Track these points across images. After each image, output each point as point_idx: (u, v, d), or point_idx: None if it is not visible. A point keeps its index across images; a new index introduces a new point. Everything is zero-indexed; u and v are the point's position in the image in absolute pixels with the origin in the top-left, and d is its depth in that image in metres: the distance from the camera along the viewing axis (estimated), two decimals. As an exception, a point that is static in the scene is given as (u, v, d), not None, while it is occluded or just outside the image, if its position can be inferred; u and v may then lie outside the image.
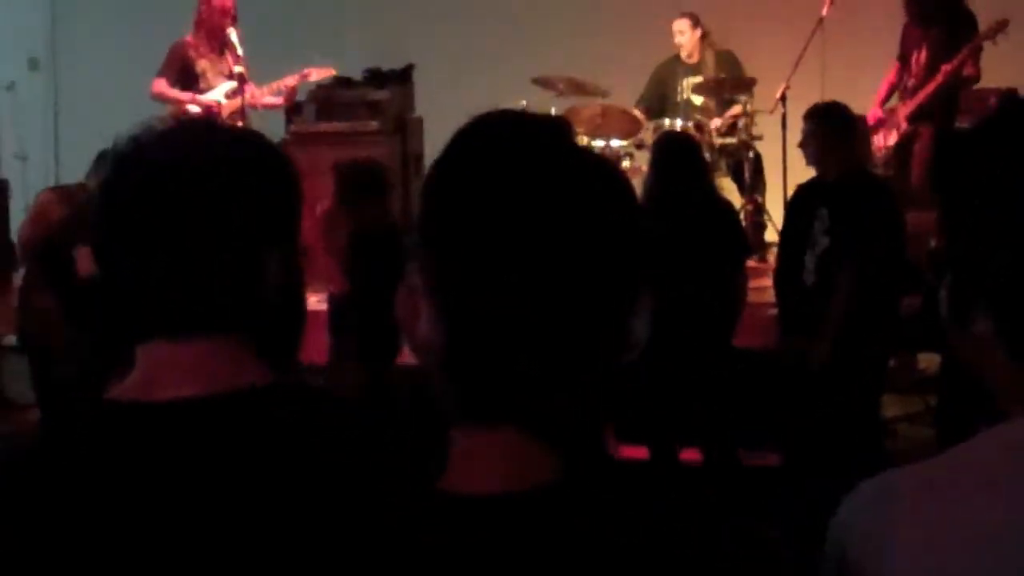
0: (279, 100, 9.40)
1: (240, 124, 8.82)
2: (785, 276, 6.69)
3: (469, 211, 1.38)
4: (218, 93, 9.15)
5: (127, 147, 1.73)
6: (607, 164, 1.47)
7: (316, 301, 7.44)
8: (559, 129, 1.44)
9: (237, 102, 9.13)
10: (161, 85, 9.14)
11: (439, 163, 1.44)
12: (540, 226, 1.35)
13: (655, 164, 6.85)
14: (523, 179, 1.37)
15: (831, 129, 6.47)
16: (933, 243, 7.06)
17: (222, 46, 9.13)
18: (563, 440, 1.39)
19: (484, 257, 1.36)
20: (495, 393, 1.38)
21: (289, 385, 1.73)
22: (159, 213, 1.67)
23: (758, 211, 9.62)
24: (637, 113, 10.01)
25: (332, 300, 6.80)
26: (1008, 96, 7.69)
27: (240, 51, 8.99)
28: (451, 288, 1.38)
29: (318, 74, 9.65)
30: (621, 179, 1.45)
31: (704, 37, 10.18)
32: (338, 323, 6.76)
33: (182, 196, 1.67)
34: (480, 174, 1.39)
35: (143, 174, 1.70)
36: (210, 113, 8.85)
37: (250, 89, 9.14)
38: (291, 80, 9.43)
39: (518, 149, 1.40)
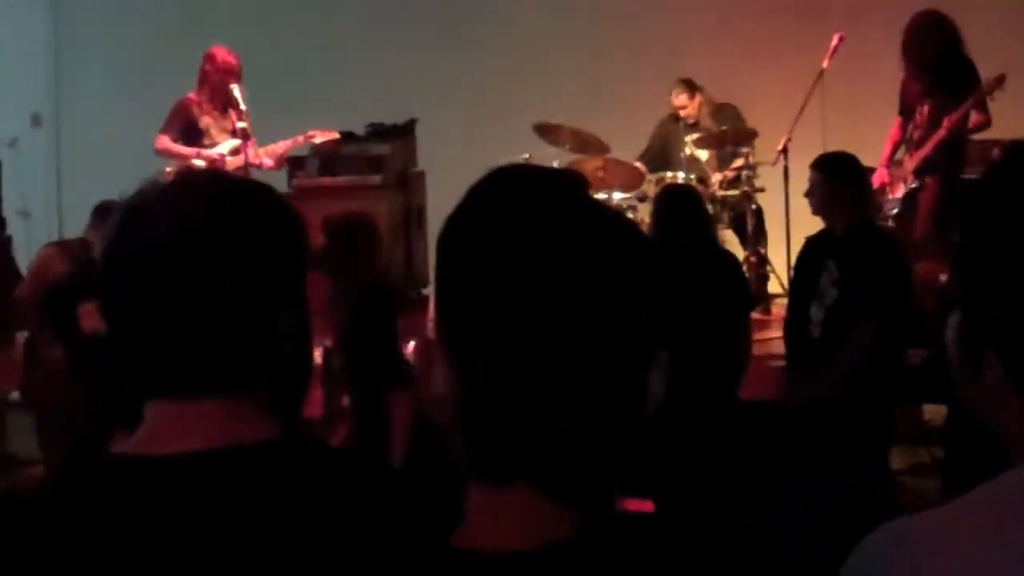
0: (271, 164, 9.34)
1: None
2: (794, 328, 6.69)
3: (485, 266, 1.38)
4: (223, 149, 9.17)
5: (134, 201, 1.72)
6: (623, 219, 1.47)
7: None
8: (573, 184, 1.45)
9: (241, 159, 9.15)
10: (165, 141, 9.17)
11: (454, 217, 1.44)
12: (556, 282, 1.35)
13: (657, 216, 6.87)
14: (538, 234, 1.37)
15: (838, 180, 6.48)
16: (942, 278, 7.06)
17: (226, 103, 9.17)
18: (576, 498, 1.39)
19: (499, 312, 1.36)
20: (509, 450, 1.37)
21: (294, 440, 1.71)
22: (165, 270, 1.65)
23: (761, 263, 9.62)
24: (639, 165, 10.04)
25: (326, 355, 6.74)
26: (1012, 146, 7.70)
27: (244, 107, 9.02)
28: (466, 342, 1.39)
29: (323, 137, 9.64)
30: (637, 234, 1.46)
31: (703, 100, 10.27)
32: (330, 378, 6.69)
33: (188, 252, 1.65)
34: (495, 229, 1.39)
35: (150, 229, 1.68)
36: (216, 166, 8.87)
37: (252, 147, 9.15)
38: (288, 144, 9.40)
39: (533, 204, 1.40)
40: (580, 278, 1.36)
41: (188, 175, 1.77)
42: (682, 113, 10.27)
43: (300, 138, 9.46)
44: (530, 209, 1.40)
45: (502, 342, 1.36)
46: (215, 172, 1.88)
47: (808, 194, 6.64)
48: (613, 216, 1.45)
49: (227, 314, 1.66)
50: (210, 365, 1.67)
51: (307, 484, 1.65)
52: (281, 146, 9.29)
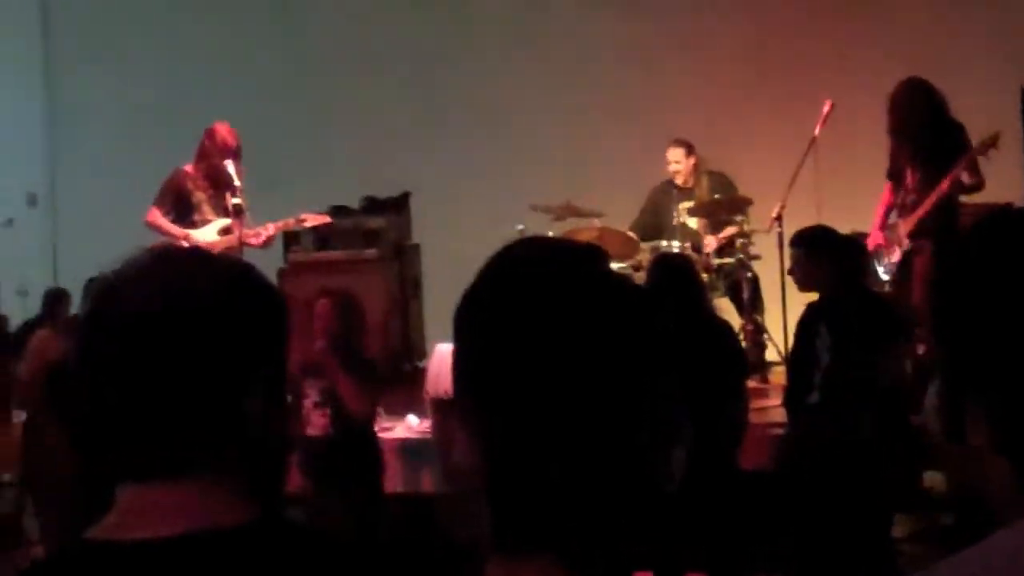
0: (259, 243, 9.24)
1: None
2: (794, 395, 6.76)
3: (507, 337, 1.39)
4: (211, 231, 9.10)
5: (105, 282, 1.69)
6: (641, 291, 1.48)
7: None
8: (592, 255, 1.47)
9: (232, 238, 9.13)
10: (155, 215, 9.13)
11: (474, 290, 1.45)
12: (579, 352, 1.36)
13: (651, 285, 6.88)
14: (561, 305, 1.38)
15: (818, 252, 6.63)
16: (920, 350, 7.12)
17: (221, 180, 9.15)
18: (595, 570, 1.40)
19: (523, 383, 1.37)
20: (533, 520, 1.38)
21: (271, 522, 1.66)
22: (132, 353, 1.61)
23: (758, 331, 9.62)
24: (631, 234, 10.07)
25: (307, 443, 6.70)
26: (998, 209, 7.74)
27: (238, 183, 9.01)
28: (489, 413, 1.39)
29: (313, 220, 9.54)
30: (656, 307, 1.47)
31: (697, 163, 10.29)
32: (316, 464, 6.66)
33: (156, 335, 1.61)
34: (517, 301, 1.40)
35: (118, 311, 1.64)
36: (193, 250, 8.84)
37: (242, 225, 9.11)
38: (279, 225, 9.31)
39: (554, 275, 1.42)
40: (602, 348, 1.37)
41: (163, 252, 1.74)
42: (675, 174, 10.28)
43: (291, 220, 9.36)
44: (551, 281, 1.41)
45: (526, 412, 1.36)
46: (193, 250, 1.85)
47: (791, 271, 6.77)
48: (632, 288, 1.46)
49: (197, 395, 1.61)
50: (179, 447, 1.62)
51: (283, 571, 1.61)
52: (271, 228, 9.21)
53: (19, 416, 7.99)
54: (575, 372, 1.36)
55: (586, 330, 1.37)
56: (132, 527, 1.61)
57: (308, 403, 6.80)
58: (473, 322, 1.43)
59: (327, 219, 9.78)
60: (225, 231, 9.16)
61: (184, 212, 9.21)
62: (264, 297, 1.73)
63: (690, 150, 10.31)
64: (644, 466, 1.40)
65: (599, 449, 1.37)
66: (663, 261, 7.39)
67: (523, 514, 1.39)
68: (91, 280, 7.08)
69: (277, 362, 1.72)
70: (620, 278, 1.48)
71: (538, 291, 1.40)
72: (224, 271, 1.74)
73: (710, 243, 9.88)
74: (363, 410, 6.77)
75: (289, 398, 6.32)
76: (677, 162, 10.28)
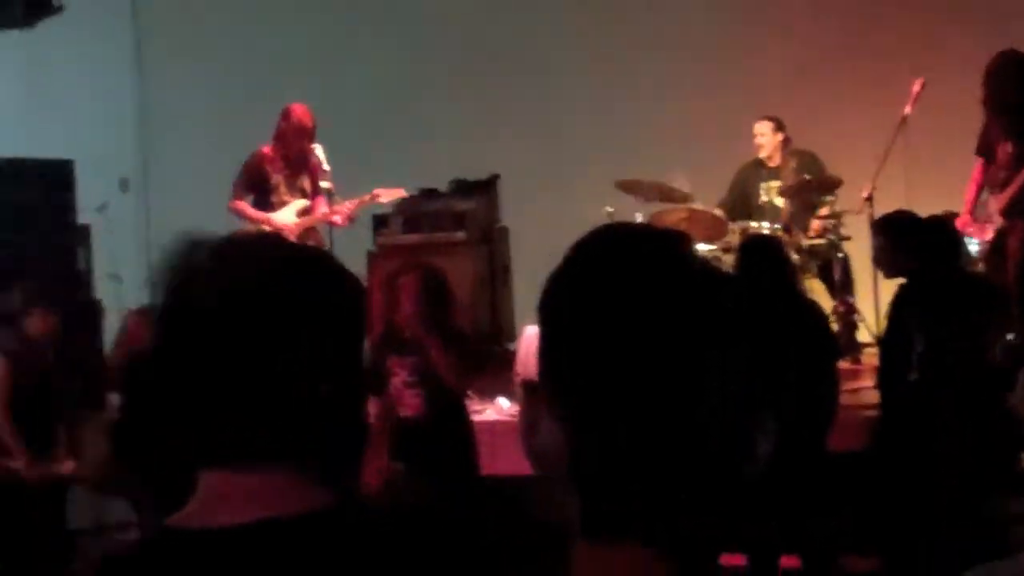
0: (340, 221, 9.32)
1: (314, 241, 8.94)
2: (887, 377, 6.73)
3: (595, 322, 1.40)
4: (289, 213, 9.22)
5: (185, 269, 1.72)
6: (729, 278, 1.49)
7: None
8: (678, 242, 1.48)
9: (311, 219, 9.22)
10: (237, 199, 9.30)
11: (556, 279, 1.47)
12: (667, 338, 1.38)
13: (742, 265, 6.87)
14: (643, 296, 1.40)
15: (894, 240, 6.63)
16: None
17: (299, 161, 9.24)
18: (682, 554, 1.41)
19: (610, 367, 1.38)
20: (621, 505, 1.40)
21: (348, 508, 1.68)
22: (207, 341, 1.63)
23: (849, 312, 9.55)
24: (720, 214, 10.01)
25: (399, 424, 6.59)
26: None
27: (326, 167, 9.09)
28: (577, 396, 1.40)
29: (387, 195, 9.64)
30: (743, 293, 1.48)
31: (785, 142, 10.23)
32: (410, 446, 6.55)
33: (235, 324, 1.63)
34: (605, 286, 1.42)
35: (194, 300, 1.67)
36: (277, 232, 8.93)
37: (324, 204, 9.21)
38: (355, 203, 9.41)
39: (642, 261, 1.43)
40: (686, 335, 1.39)
41: (237, 240, 1.78)
42: (759, 147, 10.24)
43: (366, 197, 9.47)
44: (634, 267, 1.42)
45: (609, 396, 1.38)
46: (266, 237, 1.86)
47: (875, 260, 6.74)
48: (716, 274, 1.48)
49: (272, 381, 1.63)
50: (256, 433, 1.64)
51: (363, 555, 1.63)
52: (348, 205, 9.32)
53: (114, 401, 8.08)
54: (659, 357, 1.37)
55: (670, 316, 1.39)
56: (212, 514, 1.63)
57: (398, 382, 6.60)
58: (558, 308, 1.45)
59: (402, 192, 9.82)
60: (303, 212, 9.25)
61: (262, 194, 9.34)
62: (338, 282, 1.73)
63: (778, 126, 10.24)
64: (728, 450, 1.41)
65: (682, 433, 1.38)
66: (753, 243, 7.36)
67: (609, 499, 1.40)
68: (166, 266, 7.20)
69: (354, 348, 1.73)
70: (704, 264, 1.49)
71: (621, 278, 1.42)
72: (296, 257, 1.75)
73: (815, 226, 9.80)
74: (460, 384, 6.64)
75: (377, 377, 6.37)
76: (763, 135, 10.23)
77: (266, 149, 9.34)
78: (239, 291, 1.65)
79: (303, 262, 1.73)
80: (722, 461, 1.41)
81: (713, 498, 1.41)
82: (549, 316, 1.46)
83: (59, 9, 9.25)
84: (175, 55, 13.13)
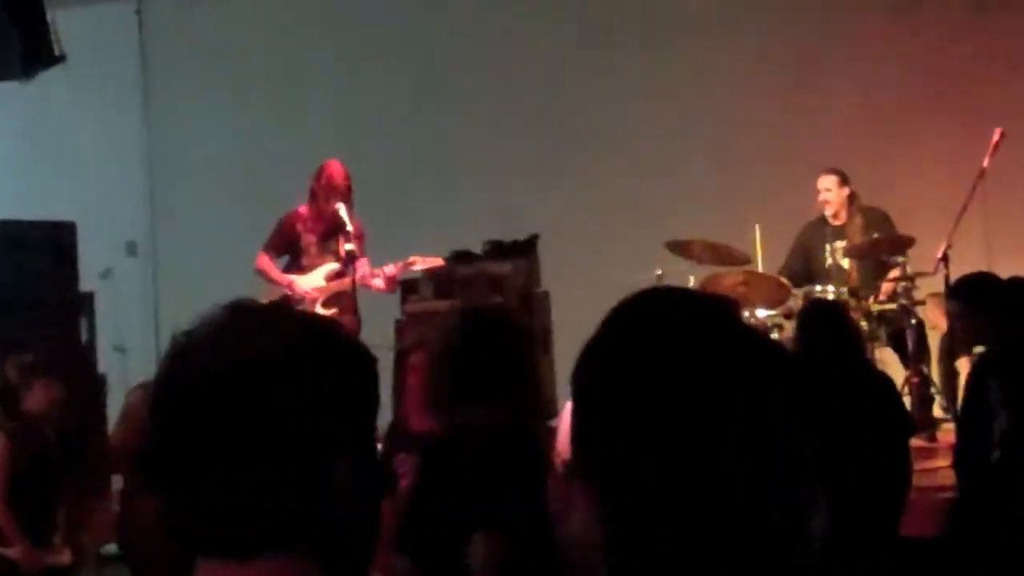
0: (381, 286, 9.54)
1: (346, 307, 9.04)
2: (965, 456, 6.70)
3: (631, 401, 1.40)
4: (316, 276, 9.39)
5: (178, 345, 1.69)
6: (778, 349, 1.51)
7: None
8: (724, 309, 1.50)
9: (342, 283, 9.34)
10: (263, 260, 9.48)
11: (593, 349, 1.48)
12: (711, 416, 1.38)
13: (801, 334, 6.89)
14: (691, 366, 1.41)
15: (973, 306, 6.61)
16: None
17: (332, 223, 9.38)
18: None
19: (651, 448, 1.38)
20: None
21: None
22: (208, 420, 1.61)
23: (924, 384, 9.51)
24: (784, 280, 10.04)
25: None
26: None
27: (350, 227, 9.21)
28: (614, 480, 1.41)
29: (424, 264, 9.80)
30: (793, 366, 1.49)
31: (851, 197, 10.24)
32: None
33: (233, 401, 1.61)
34: (645, 359, 1.42)
35: (192, 376, 1.65)
36: (288, 300, 9.02)
37: (362, 267, 9.35)
38: (392, 269, 9.58)
39: (684, 332, 1.44)
40: (735, 412, 1.39)
41: (236, 308, 1.73)
42: (825, 204, 10.22)
43: (400, 264, 9.64)
44: (680, 338, 1.43)
45: (653, 481, 1.38)
46: (268, 306, 1.84)
47: (951, 328, 6.73)
48: (768, 345, 1.48)
49: (275, 467, 1.61)
50: (257, 522, 1.61)
51: None
52: (391, 269, 9.50)
53: (118, 483, 8.12)
54: (707, 438, 1.38)
55: (720, 393, 1.39)
56: None
57: (405, 484, 6.24)
58: (594, 380, 1.46)
59: (440, 261, 9.95)
60: (334, 276, 9.37)
61: (293, 256, 9.49)
62: (345, 356, 1.72)
63: (844, 180, 10.24)
64: (778, 532, 1.41)
65: (731, 516, 1.38)
66: (814, 308, 7.39)
67: None
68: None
69: (363, 430, 1.72)
70: (756, 335, 1.50)
71: (661, 347, 1.42)
72: (301, 328, 1.74)
73: (886, 289, 9.81)
74: None
75: (386, 476, 6.34)
76: (828, 190, 10.21)
77: (302, 209, 9.55)
78: (236, 362, 1.64)
79: (304, 332, 1.72)
80: (771, 544, 1.41)
81: None
82: (583, 388, 1.47)
83: (61, 59, 9.33)
84: (186, 108, 13.27)
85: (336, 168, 9.43)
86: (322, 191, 9.38)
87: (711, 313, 1.48)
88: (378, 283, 9.51)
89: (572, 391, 1.48)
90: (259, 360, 1.64)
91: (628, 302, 1.51)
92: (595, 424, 1.44)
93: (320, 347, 1.70)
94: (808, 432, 1.45)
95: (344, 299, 9.47)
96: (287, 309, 1.84)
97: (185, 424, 1.63)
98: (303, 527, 1.64)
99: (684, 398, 1.39)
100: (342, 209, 9.25)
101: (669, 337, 1.43)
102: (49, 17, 9.25)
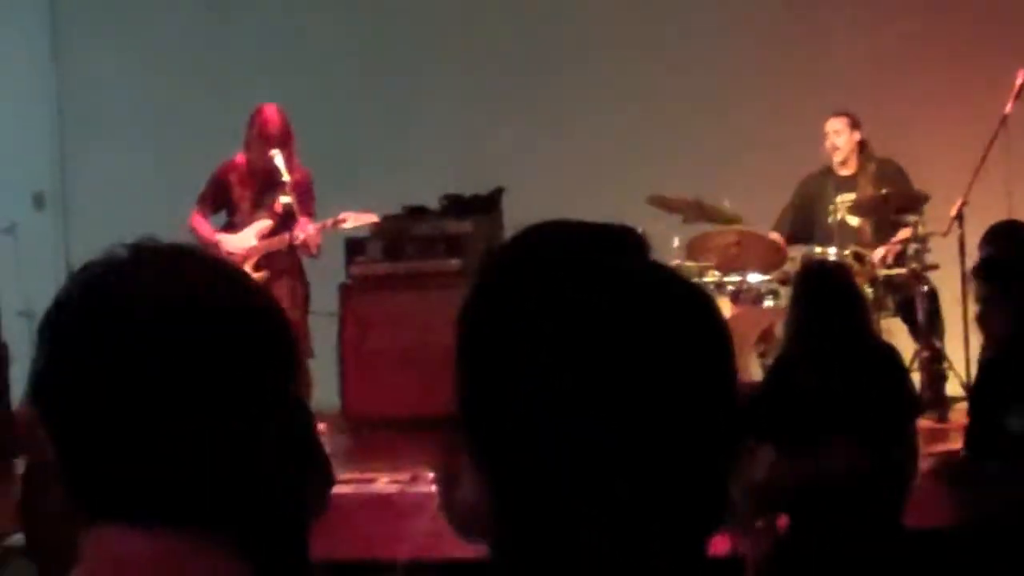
0: (310, 250, 9.51)
1: (270, 271, 9.06)
2: (979, 438, 6.77)
3: (518, 347, 1.39)
4: (248, 235, 9.37)
5: (64, 292, 1.70)
6: (695, 291, 1.48)
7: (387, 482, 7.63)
8: (632, 244, 1.48)
9: (274, 242, 9.37)
10: (194, 217, 9.46)
11: (477, 290, 1.48)
12: (617, 369, 1.37)
13: (798, 301, 6.92)
14: (586, 311, 1.39)
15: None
16: None
17: (267, 175, 9.38)
18: None
19: (542, 408, 1.37)
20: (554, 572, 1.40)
21: None
22: (93, 379, 1.62)
23: (936, 359, 9.56)
24: (777, 237, 10.13)
25: None
26: None
27: (286, 178, 9.24)
28: (500, 446, 1.40)
29: (355, 220, 9.83)
30: (710, 310, 1.47)
31: (862, 145, 10.29)
32: None
33: (124, 351, 1.61)
34: (532, 303, 1.41)
35: (88, 316, 1.66)
36: (182, 247, 9.01)
37: (305, 225, 9.35)
38: (317, 227, 9.54)
39: (583, 271, 1.42)
40: (653, 363, 1.38)
41: (146, 250, 1.72)
42: (834, 150, 10.25)
43: (328, 221, 9.63)
44: (579, 272, 1.42)
45: (548, 445, 1.37)
46: (180, 249, 1.82)
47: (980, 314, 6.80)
48: (685, 286, 1.47)
49: (172, 423, 1.61)
50: (158, 488, 1.62)
51: None
52: (310, 229, 9.45)
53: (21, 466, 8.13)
54: (608, 390, 1.36)
55: (622, 339, 1.38)
56: None
57: None
58: (477, 326, 1.45)
59: (373, 217, 9.92)
60: (267, 234, 9.36)
61: (228, 213, 9.48)
62: (261, 311, 1.73)
63: (854, 123, 10.26)
64: (691, 501, 1.41)
65: (641, 480, 1.37)
66: (813, 272, 7.44)
67: (541, 566, 1.40)
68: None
69: (282, 392, 1.70)
70: (667, 273, 1.48)
71: (555, 287, 1.40)
72: (208, 274, 1.73)
73: (878, 253, 9.87)
74: None
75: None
76: (837, 132, 10.24)
77: (239, 158, 9.55)
78: (131, 307, 1.64)
79: (215, 280, 1.72)
80: (683, 514, 1.41)
81: (673, 559, 1.41)
82: (467, 337, 1.46)
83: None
84: (99, 47, 13.18)
85: (271, 112, 9.43)
86: (255, 139, 9.40)
87: (615, 243, 1.47)
88: (307, 248, 9.49)
89: (456, 344, 1.46)
90: (159, 305, 1.64)
91: (520, 235, 1.51)
92: (481, 376, 1.43)
93: (224, 298, 1.70)
94: (724, 391, 1.44)
95: (280, 260, 9.52)
96: (196, 251, 1.79)
97: (75, 367, 1.64)
98: (216, 500, 1.64)
99: (580, 345, 1.37)
100: (277, 157, 9.25)
101: (567, 273, 1.41)
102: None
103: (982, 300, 6.93)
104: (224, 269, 1.80)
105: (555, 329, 1.38)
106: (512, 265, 1.48)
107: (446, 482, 1.47)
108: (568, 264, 1.43)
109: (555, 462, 1.37)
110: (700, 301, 1.47)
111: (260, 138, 9.33)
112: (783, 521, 6.57)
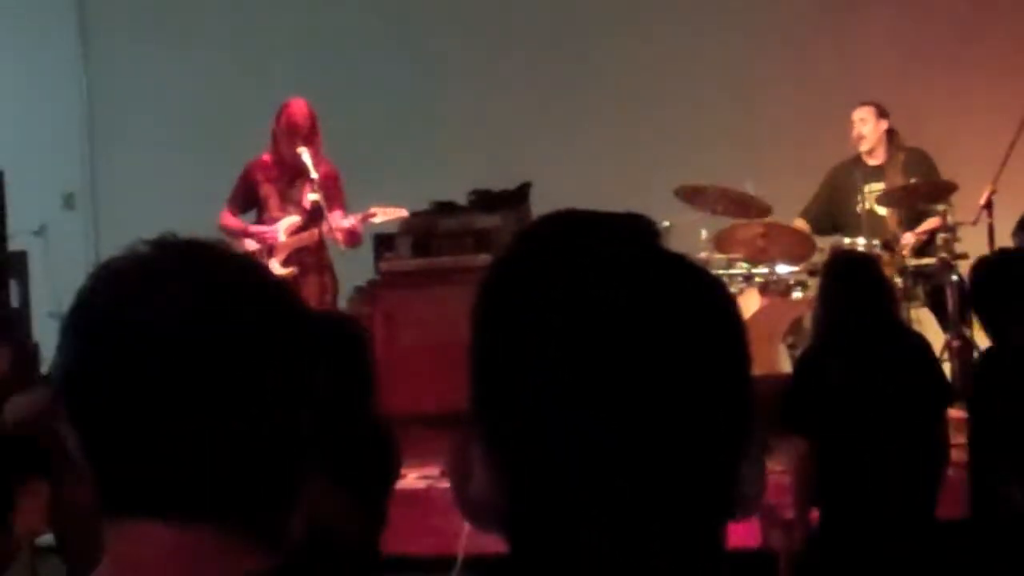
0: (340, 240, 9.49)
1: (300, 267, 9.07)
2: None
3: (536, 343, 1.39)
4: (278, 231, 9.39)
5: (87, 287, 1.73)
6: (708, 277, 1.48)
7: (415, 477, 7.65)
8: (644, 231, 1.48)
9: (305, 237, 9.36)
10: (226, 216, 9.48)
11: (491, 280, 1.47)
12: (627, 361, 1.37)
13: (826, 290, 6.91)
14: (594, 303, 1.38)
15: None
16: None
17: (295, 170, 9.39)
18: None
19: (556, 401, 1.37)
20: (564, 570, 1.40)
21: (287, 572, 1.70)
22: (116, 374, 1.64)
23: (966, 348, 9.54)
24: (804, 226, 10.15)
25: None
26: None
27: (314, 174, 9.25)
28: (509, 438, 1.41)
29: (385, 215, 9.80)
30: (724, 298, 1.47)
31: (890, 134, 10.30)
32: None
33: (146, 345, 1.64)
34: (540, 295, 1.41)
35: (101, 322, 1.68)
36: (203, 243, 9.02)
37: (335, 220, 9.36)
38: (349, 222, 9.52)
39: (597, 258, 1.42)
40: (663, 353, 1.38)
41: (170, 246, 1.75)
42: (860, 139, 10.27)
43: (359, 216, 9.60)
44: (596, 267, 1.41)
45: (560, 439, 1.37)
46: (205, 246, 1.83)
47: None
48: (697, 272, 1.47)
49: (205, 424, 1.64)
50: (184, 483, 1.65)
51: None
52: (349, 221, 9.46)
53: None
54: (620, 381, 1.36)
55: (636, 330, 1.38)
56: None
57: None
58: (491, 317, 1.45)
59: (403, 212, 9.91)
60: (296, 230, 9.37)
61: (257, 211, 9.51)
62: (272, 299, 1.74)
63: (881, 112, 10.28)
64: (705, 493, 1.42)
65: (646, 476, 1.37)
66: (841, 263, 7.43)
67: (553, 557, 1.40)
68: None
69: (293, 385, 1.72)
70: (680, 261, 1.47)
71: (570, 277, 1.40)
72: (233, 272, 1.76)
73: (907, 240, 9.84)
74: None
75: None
76: (863, 121, 10.26)
77: (265, 156, 9.57)
78: (161, 303, 1.66)
79: (241, 278, 1.74)
80: (694, 503, 1.41)
81: (686, 549, 1.41)
82: (477, 329, 1.45)
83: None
84: (129, 49, 13.25)
85: (298, 106, 9.42)
86: (282, 133, 9.37)
87: (628, 232, 1.47)
88: (339, 237, 9.47)
89: (471, 333, 1.45)
90: (181, 300, 1.67)
91: (537, 224, 1.50)
92: (495, 369, 1.43)
93: (246, 292, 1.73)
94: (738, 376, 1.45)
95: (309, 255, 9.54)
96: (217, 247, 1.80)
97: (99, 362, 1.66)
98: (238, 494, 1.67)
99: (593, 337, 1.37)
100: (304, 153, 9.23)
101: (575, 268, 1.41)
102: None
103: None
104: (245, 263, 1.83)
105: (563, 321, 1.38)
106: (521, 257, 1.47)
107: (459, 474, 1.47)
108: (576, 255, 1.42)
109: (563, 454, 1.37)
110: (712, 289, 1.47)
111: (287, 132, 9.32)
112: (815, 514, 6.55)
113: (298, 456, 1.71)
